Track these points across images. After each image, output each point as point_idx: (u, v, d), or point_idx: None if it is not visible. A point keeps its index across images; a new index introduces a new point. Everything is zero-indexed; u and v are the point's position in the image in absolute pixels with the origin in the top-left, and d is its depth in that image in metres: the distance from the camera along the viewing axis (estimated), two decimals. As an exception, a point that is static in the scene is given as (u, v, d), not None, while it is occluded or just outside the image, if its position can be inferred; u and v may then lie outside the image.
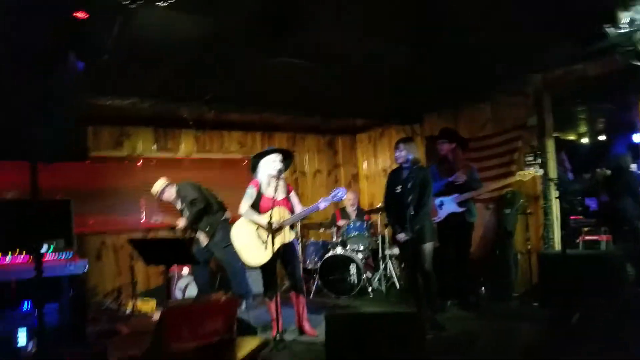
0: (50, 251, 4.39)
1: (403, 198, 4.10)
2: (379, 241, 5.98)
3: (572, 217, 5.35)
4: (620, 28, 3.35)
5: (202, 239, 5.18)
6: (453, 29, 3.90)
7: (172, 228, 5.50)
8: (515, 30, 3.96)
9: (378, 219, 6.24)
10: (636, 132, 5.92)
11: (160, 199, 5.33)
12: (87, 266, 4.49)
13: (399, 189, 4.22)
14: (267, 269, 4.08)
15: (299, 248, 4.43)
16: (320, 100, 5.92)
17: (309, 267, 6.08)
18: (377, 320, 3.21)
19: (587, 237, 4.53)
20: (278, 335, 3.89)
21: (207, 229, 5.13)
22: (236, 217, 4.29)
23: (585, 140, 7.57)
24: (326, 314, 3.36)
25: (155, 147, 6.38)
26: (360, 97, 5.88)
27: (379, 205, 6.57)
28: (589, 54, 4.35)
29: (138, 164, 6.23)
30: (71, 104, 2.78)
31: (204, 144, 6.69)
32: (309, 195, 7.16)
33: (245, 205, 4.12)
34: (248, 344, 2.91)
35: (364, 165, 7.85)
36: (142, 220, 5.93)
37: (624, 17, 3.34)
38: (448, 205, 4.77)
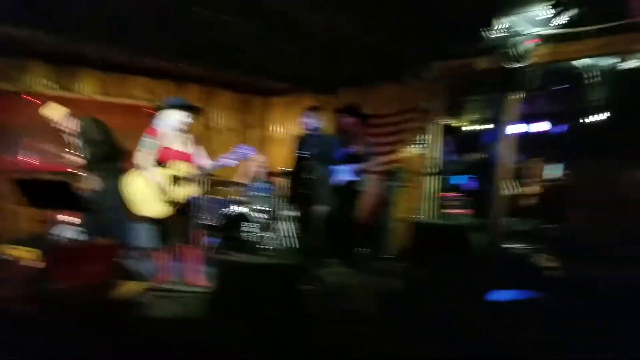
0: None
1: (307, 163, 4.41)
2: (282, 203, 6.24)
3: (445, 195, 6.08)
4: (495, 32, 3.92)
5: (96, 185, 4.84)
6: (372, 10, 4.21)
7: (60, 172, 5.11)
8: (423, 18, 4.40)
9: (283, 182, 6.53)
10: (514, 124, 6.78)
11: (56, 128, 4.71)
12: None
13: (304, 154, 4.53)
14: (163, 222, 4.08)
15: (201, 202, 4.45)
16: (238, 57, 5.97)
17: (210, 224, 6.21)
18: (261, 268, 3.53)
19: (452, 210, 5.30)
20: (164, 284, 3.97)
21: (104, 175, 4.79)
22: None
23: (469, 128, 8.47)
24: (217, 264, 3.58)
25: (52, 84, 6.03)
26: (280, 61, 6.04)
27: (285, 169, 6.90)
28: (480, 50, 4.96)
29: (31, 100, 5.85)
30: None
31: (108, 87, 6.43)
32: (217, 152, 7.19)
33: (141, 155, 3.99)
34: (129, 287, 3.06)
35: (276, 129, 8.05)
36: (27, 160, 5.66)
37: (501, 23, 3.91)
38: (344, 174, 5.22)
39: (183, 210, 4.16)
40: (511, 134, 5.48)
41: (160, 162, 4.02)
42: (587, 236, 5.36)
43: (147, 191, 4.02)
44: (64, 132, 4.72)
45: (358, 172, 5.23)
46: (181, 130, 4.09)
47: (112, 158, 4.87)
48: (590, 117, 6.73)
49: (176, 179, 3.97)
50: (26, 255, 5.23)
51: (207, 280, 4.17)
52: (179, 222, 4.24)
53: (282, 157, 7.73)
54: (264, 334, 2.87)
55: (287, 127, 7.87)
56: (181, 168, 4.03)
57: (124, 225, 4.94)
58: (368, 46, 5.24)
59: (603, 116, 6.48)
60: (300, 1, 4.09)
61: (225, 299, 3.35)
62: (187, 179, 4.05)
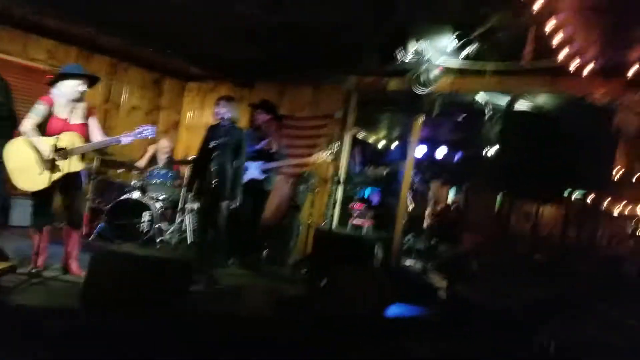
0: None
1: (215, 154, 4.22)
2: (182, 194, 5.88)
3: (352, 206, 6.21)
4: (408, 55, 4.08)
5: None
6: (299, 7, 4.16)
7: None
8: (345, 32, 4.46)
9: (187, 171, 6.20)
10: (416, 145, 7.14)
11: None
12: None
13: (212, 144, 4.31)
14: (40, 196, 3.72)
15: (86, 181, 4.05)
16: (156, 33, 5.62)
17: (96, 207, 5.74)
18: (146, 263, 3.27)
19: (355, 221, 5.41)
20: (35, 270, 3.59)
21: None
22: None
23: (378, 144, 8.80)
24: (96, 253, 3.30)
25: None
26: (200, 44, 5.78)
27: (191, 157, 6.58)
28: (393, 71, 5.14)
29: None
30: None
31: (6, 44, 5.71)
32: (119, 130, 6.68)
33: (29, 122, 3.63)
34: None
35: (188, 115, 7.69)
36: None
37: (414, 47, 4.07)
38: (252, 171, 5.10)
39: (67, 187, 3.80)
40: (416, 155, 5.74)
41: (49, 132, 3.65)
42: (476, 258, 5.74)
43: (25, 160, 3.64)
44: None
45: (265, 171, 5.15)
46: (75, 100, 3.74)
47: (5, 122, 4.19)
48: (484, 148, 7.31)
49: (59, 150, 3.58)
50: None
51: (81, 270, 3.80)
52: (63, 201, 3.90)
53: (192, 146, 7.42)
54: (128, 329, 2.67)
55: (200, 115, 7.56)
56: (68, 139, 3.66)
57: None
58: (290, 42, 5.18)
59: (495, 148, 7.06)
60: None
61: (97, 291, 3.06)
62: (73, 152, 3.67)
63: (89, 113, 3.86)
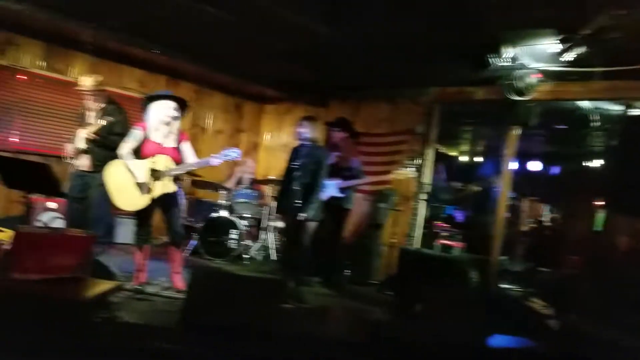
0: None
1: (298, 173, 4.21)
2: (265, 212, 6.05)
3: (437, 224, 5.88)
4: (502, 61, 3.78)
5: (84, 165, 4.55)
6: (372, 25, 4.09)
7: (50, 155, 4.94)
8: (423, 43, 4.29)
9: (268, 190, 6.32)
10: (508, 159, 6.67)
11: (90, 97, 4.55)
12: None
13: (296, 164, 4.31)
14: (140, 216, 3.95)
15: (184, 202, 4.23)
16: (234, 59, 5.82)
17: (190, 225, 6.00)
18: (241, 281, 3.33)
19: (443, 242, 5.08)
20: (139, 285, 3.80)
21: (97, 160, 4.50)
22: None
23: (463, 158, 8.39)
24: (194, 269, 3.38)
25: (44, 63, 5.77)
26: (276, 67, 5.90)
27: (272, 177, 6.69)
28: (480, 80, 4.85)
29: (21, 77, 5.59)
30: None
31: (100, 74, 6.17)
32: (205, 152, 6.96)
33: (126, 146, 3.89)
34: (99, 286, 2.79)
35: (267, 136, 7.86)
36: (14, 140, 5.43)
37: (508, 53, 3.77)
38: (329, 189, 5.00)
39: (166, 207, 3.99)
40: (508, 169, 5.33)
41: (144, 155, 3.87)
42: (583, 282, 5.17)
43: (124, 182, 3.88)
44: (89, 106, 4.56)
45: (344, 189, 5.03)
46: (166, 123, 3.91)
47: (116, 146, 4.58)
48: (589, 161, 6.66)
49: (154, 172, 3.79)
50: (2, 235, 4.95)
51: (183, 284, 4.00)
52: (163, 220, 4.08)
53: (272, 166, 7.55)
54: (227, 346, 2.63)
55: (277, 136, 7.68)
56: (162, 162, 3.85)
57: (100, 216, 4.73)
58: (366, 61, 5.10)
59: (601, 161, 6.40)
60: (302, 8, 3.92)
61: (195, 307, 3.10)
62: (167, 174, 3.86)
63: (181, 137, 4.05)
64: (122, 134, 4.45)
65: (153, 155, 3.82)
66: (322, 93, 6.56)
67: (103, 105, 4.57)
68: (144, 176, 3.79)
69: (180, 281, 4.05)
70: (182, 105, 4.07)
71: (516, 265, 5.95)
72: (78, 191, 4.66)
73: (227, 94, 7.40)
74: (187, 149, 4.06)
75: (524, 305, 4.29)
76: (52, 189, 3.59)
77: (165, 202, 3.94)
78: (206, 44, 5.32)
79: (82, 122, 4.57)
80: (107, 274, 3.60)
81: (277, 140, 7.66)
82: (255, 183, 6.48)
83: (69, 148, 4.59)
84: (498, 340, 3.49)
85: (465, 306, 3.74)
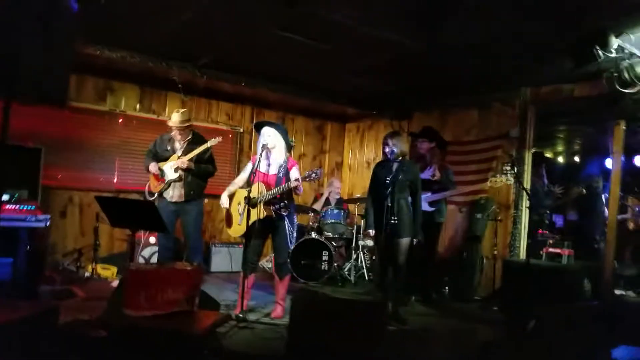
0: (12, 201, 4.16)
1: (392, 189, 4.09)
2: (354, 231, 5.99)
3: (539, 232, 5.51)
4: (610, 52, 3.46)
5: (177, 195, 4.60)
6: (452, 31, 3.96)
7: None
8: (512, 42, 4.07)
9: (356, 208, 6.29)
10: (608, 157, 6.13)
11: (179, 131, 4.64)
12: (48, 221, 4.24)
13: (387, 180, 4.15)
14: (247, 243, 4.06)
15: (289, 227, 4.14)
16: (315, 82, 5.93)
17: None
18: (343, 305, 3.25)
19: (551, 250, 4.70)
20: (241, 313, 3.83)
21: (191, 189, 4.63)
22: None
23: (560, 159, 7.81)
24: (293, 294, 3.38)
25: (139, 106, 6.24)
26: (355, 85, 5.92)
27: (359, 195, 6.65)
28: (578, 75, 4.49)
29: (119, 121, 6.09)
30: (61, 46, 2.66)
31: (190, 111, 6.56)
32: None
33: (238, 177, 4.23)
34: (207, 318, 2.84)
35: (349, 154, 7.88)
36: (115, 180, 5.89)
37: (615, 43, 3.44)
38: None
39: (266, 234, 4.10)
40: (617, 167, 4.85)
41: (252, 183, 3.97)
42: None
43: (233, 210, 4.13)
44: (177, 138, 4.67)
45: (435, 202, 4.84)
46: (263, 151, 4.03)
47: (206, 179, 4.82)
48: None
49: (248, 199, 3.87)
50: (105, 272, 5.35)
51: (282, 313, 4.07)
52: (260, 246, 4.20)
53: (357, 183, 7.53)
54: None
55: (361, 154, 7.66)
56: (257, 189, 3.92)
57: (197, 243, 4.81)
58: (451, 69, 4.95)
59: None
60: (377, 22, 3.89)
61: (302, 331, 3.09)
62: (257, 200, 3.91)
63: (290, 165, 4.10)
64: (212, 163, 4.71)
65: (255, 183, 3.94)
66: (405, 105, 6.45)
67: (190, 137, 4.72)
68: (241, 203, 3.96)
69: (279, 311, 4.08)
70: (280, 130, 4.13)
71: (630, 269, 5.37)
72: (170, 220, 4.63)
73: (309, 117, 7.55)
74: (294, 174, 4.05)
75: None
76: (156, 225, 3.59)
77: (266, 229, 4.03)
78: (288, 68, 5.47)
79: (168, 155, 4.69)
80: (211, 304, 3.72)
81: (361, 158, 7.64)
82: (342, 202, 6.45)
83: (154, 171, 4.64)
84: (623, 353, 3.14)
85: (582, 320, 3.42)
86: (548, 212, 5.61)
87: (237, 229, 4.09)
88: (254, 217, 3.91)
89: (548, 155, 7.05)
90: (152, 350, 2.52)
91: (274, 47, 4.68)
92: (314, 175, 3.85)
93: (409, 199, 4.22)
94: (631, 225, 6.27)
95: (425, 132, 5.16)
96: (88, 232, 5.70)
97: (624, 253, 5.90)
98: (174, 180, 4.57)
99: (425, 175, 4.87)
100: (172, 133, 4.69)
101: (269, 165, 4.05)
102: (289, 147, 4.20)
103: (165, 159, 4.68)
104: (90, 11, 3.27)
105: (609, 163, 6.35)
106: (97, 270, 5.24)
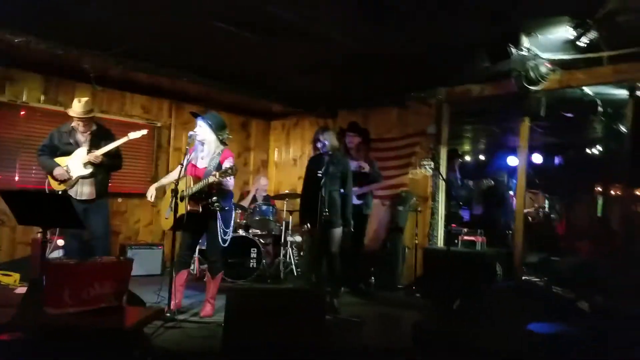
0: None
1: (323, 182, 4.14)
2: (282, 227, 5.97)
3: (452, 225, 5.87)
4: (521, 50, 3.81)
5: (87, 193, 4.26)
6: (381, 32, 4.12)
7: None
8: (430, 45, 4.33)
9: (284, 205, 6.25)
10: (513, 154, 6.74)
11: (83, 122, 4.30)
12: None
13: (319, 173, 4.23)
14: (182, 240, 3.99)
15: (220, 224, 3.92)
16: (241, 76, 5.80)
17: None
18: (280, 296, 3.23)
19: (466, 237, 5.08)
20: (170, 312, 3.67)
21: (103, 185, 4.34)
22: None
23: (467, 157, 8.46)
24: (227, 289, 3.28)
25: (43, 97, 5.69)
26: (281, 81, 5.90)
27: (287, 191, 6.64)
28: (489, 75, 4.89)
29: (21, 113, 5.51)
30: None
31: (101, 103, 6.09)
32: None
33: (175, 169, 4.01)
34: (137, 314, 2.70)
35: (275, 152, 7.83)
36: (16, 179, 5.34)
37: (525, 42, 3.81)
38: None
39: (196, 230, 3.98)
40: (521, 163, 5.34)
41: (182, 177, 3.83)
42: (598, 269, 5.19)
43: (165, 204, 4.02)
44: (80, 130, 4.33)
45: (362, 195, 5.01)
46: (202, 144, 3.95)
47: (112, 172, 4.57)
48: (594, 149, 6.74)
49: (175, 193, 3.73)
50: (7, 279, 4.80)
51: (211, 312, 3.97)
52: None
53: (284, 181, 7.51)
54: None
55: (287, 151, 7.66)
56: (185, 182, 3.79)
57: (106, 242, 4.50)
58: (373, 69, 5.14)
59: (607, 148, 6.49)
60: (306, 17, 3.92)
61: (238, 325, 3.00)
62: (185, 193, 3.78)
63: (222, 158, 3.92)
64: (120, 157, 4.43)
65: (185, 176, 3.81)
66: (332, 104, 6.54)
67: (94, 128, 4.37)
68: (169, 197, 3.81)
69: (208, 309, 3.95)
70: (211, 123, 3.96)
71: (530, 256, 5.96)
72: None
73: (233, 113, 7.35)
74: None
75: (552, 293, 4.28)
76: (71, 221, 3.20)
77: (197, 224, 3.89)
78: (214, 62, 5.30)
79: (71, 150, 4.30)
80: (137, 302, 3.49)
81: (287, 155, 7.63)
82: (270, 199, 6.40)
83: (63, 176, 4.23)
84: (537, 327, 3.48)
85: (503, 297, 3.72)
86: (461, 204, 6.01)
87: (165, 222, 3.95)
88: (182, 210, 3.74)
89: (464, 151, 7.61)
90: (77, 349, 2.31)
91: (203, 38, 4.52)
92: (229, 171, 3.66)
93: (341, 190, 4.31)
94: (530, 219, 6.98)
95: (352, 126, 5.32)
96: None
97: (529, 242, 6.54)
98: (84, 177, 4.22)
99: (354, 167, 5.01)
100: (73, 124, 4.32)
101: (201, 158, 3.93)
102: (221, 141, 4.03)
103: (66, 154, 4.28)
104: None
105: (511, 160, 7.01)
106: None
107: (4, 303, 3.64)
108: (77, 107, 4.25)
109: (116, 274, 2.62)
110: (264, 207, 5.90)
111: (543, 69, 4.23)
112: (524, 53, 3.92)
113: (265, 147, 7.89)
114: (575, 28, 3.56)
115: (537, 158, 8.01)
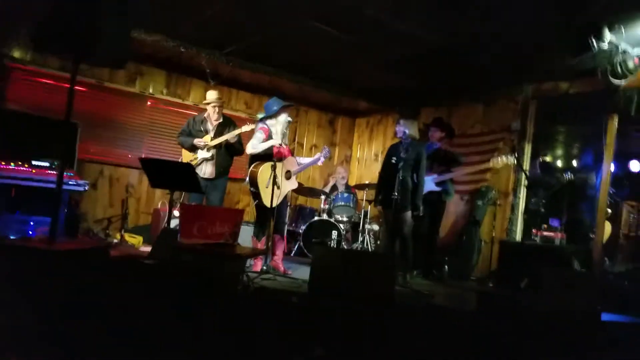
0: (52, 167, 4.58)
1: (397, 168, 4.54)
2: (361, 215, 6.35)
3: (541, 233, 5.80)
4: (604, 44, 3.88)
5: (209, 172, 4.97)
6: (464, 28, 4.39)
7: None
8: (516, 40, 4.51)
9: (364, 195, 6.66)
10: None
11: (216, 108, 5.07)
12: (87, 186, 4.75)
13: (394, 159, 4.66)
14: (268, 211, 4.43)
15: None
16: (330, 75, 6.35)
17: (293, 230, 6.45)
18: (358, 256, 3.67)
19: (545, 233, 5.10)
20: (264, 266, 4.30)
21: (221, 166, 5.04)
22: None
23: (560, 154, 8.19)
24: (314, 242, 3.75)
25: (165, 90, 6.68)
26: (366, 79, 6.35)
27: (367, 182, 7.05)
28: (576, 72, 4.92)
29: (148, 103, 6.53)
30: (124, 14, 3.05)
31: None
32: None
33: (254, 144, 4.50)
34: (246, 249, 3.35)
35: (358, 148, 8.30)
36: (142, 157, 6.28)
37: (608, 36, 3.88)
38: (427, 184, 5.25)
39: (280, 204, 4.56)
40: (608, 164, 5.23)
41: (274, 156, 4.48)
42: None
43: (269, 183, 4.39)
44: (211, 118, 5.09)
45: (441, 182, 5.24)
46: (286, 129, 4.65)
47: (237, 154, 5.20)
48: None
49: (287, 172, 4.50)
50: (132, 240, 5.73)
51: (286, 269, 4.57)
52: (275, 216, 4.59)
53: (364, 175, 7.93)
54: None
55: (369, 147, 8.08)
56: (289, 162, 4.54)
57: None
58: (458, 65, 5.39)
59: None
60: (391, 13, 4.28)
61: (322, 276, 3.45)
62: (293, 172, 4.54)
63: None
64: (241, 144, 5.11)
65: (280, 157, 4.45)
66: (416, 101, 6.86)
67: (221, 120, 5.13)
68: (281, 175, 4.41)
69: (283, 267, 4.56)
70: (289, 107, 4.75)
71: (618, 266, 5.74)
72: (200, 197, 5.03)
73: (322, 110, 7.98)
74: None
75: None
76: (194, 186, 4.02)
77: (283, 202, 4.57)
78: (307, 61, 5.91)
79: (201, 135, 5.05)
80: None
81: (369, 151, 8.05)
82: (350, 188, 6.85)
83: (201, 145, 4.96)
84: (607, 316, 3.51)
85: (573, 280, 3.80)
86: (542, 198, 5.99)
87: (275, 199, 4.41)
88: (287, 188, 4.62)
89: (549, 148, 7.45)
90: (197, 274, 2.91)
91: (302, 39, 5.09)
92: (325, 151, 4.70)
93: (413, 177, 4.65)
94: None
95: (436, 121, 5.61)
96: (116, 204, 6.12)
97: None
98: (206, 159, 4.98)
99: (437, 153, 5.29)
100: (206, 114, 5.11)
101: (283, 143, 4.75)
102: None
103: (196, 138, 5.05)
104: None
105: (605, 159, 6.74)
106: (124, 238, 5.62)
107: (135, 254, 4.54)
108: (212, 95, 5.10)
109: (232, 218, 3.28)
110: (346, 194, 6.36)
111: (630, 64, 4.23)
112: (609, 47, 3.98)
113: (349, 143, 8.40)
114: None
115: (635, 165, 7.61)
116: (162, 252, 3.17)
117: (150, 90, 6.56)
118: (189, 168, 4.10)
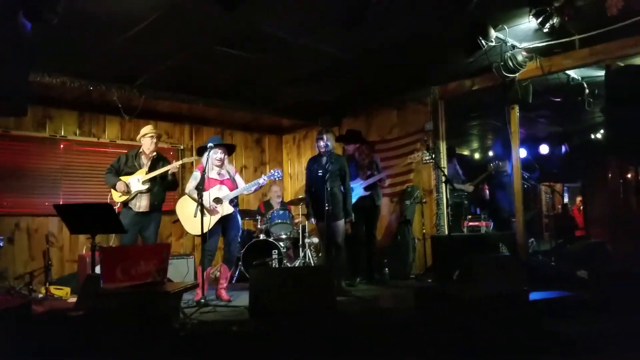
0: None
1: (324, 180, 4.62)
2: (299, 230, 6.34)
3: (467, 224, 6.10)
4: (491, 41, 4.22)
5: (144, 204, 4.89)
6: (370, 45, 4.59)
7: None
8: (420, 47, 4.79)
9: (300, 210, 6.70)
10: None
11: (152, 140, 5.05)
12: (2, 242, 4.46)
13: (320, 172, 4.74)
14: (207, 239, 4.46)
15: (240, 226, 4.88)
16: (251, 97, 6.39)
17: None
18: (294, 272, 3.68)
19: (470, 223, 5.41)
20: (202, 298, 4.21)
21: (156, 199, 4.96)
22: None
23: (477, 156, 8.75)
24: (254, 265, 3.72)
25: (78, 130, 6.37)
26: (289, 97, 6.45)
27: (300, 196, 7.10)
28: (475, 70, 5.30)
29: (61, 146, 6.20)
30: (23, 62, 2.95)
31: (129, 131, 6.75)
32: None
33: (190, 185, 4.67)
34: (176, 285, 3.22)
35: (288, 164, 8.36)
36: (61, 203, 5.94)
37: (494, 34, 4.22)
38: (356, 190, 5.40)
39: (225, 226, 4.65)
40: (516, 151, 5.65)
41: (206, 189, 4.54)
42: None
43: (190, 212, 4.59)
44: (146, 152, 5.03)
45: (369, 187, 5.40)
46: (220, 164, 4.71)
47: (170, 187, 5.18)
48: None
49: (216, 199, 4.52)
50: (59, 292, 5.37)
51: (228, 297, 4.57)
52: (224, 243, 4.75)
53: (296, 191, 7.98)
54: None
55: (299, 162, 8.17)
56: (221, 190, 4.60)
57: None
58: (366, 75, 5.64)
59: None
60: (292, 32, 4.41)
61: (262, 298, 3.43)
62: (225, 198, 4.58)
63: (234, 171, 4.92)
64: (174, 176, 5.09)
65: (213, 187, 4.55)
66: (335, 113, 7.05)
67: (155, 155, 5.09)
68: (208, 202, 4.43)
69: (225, 294, 4.58)
70: (230, 148, 5.02)
71: (543, 245, 6.19)
72: (134, 232, 4.91)
73: (247, 131, 7.95)
74: (239, 178, 4.91)
75: (554, 266, 4.55)
76: (115, 226, 3.89)
77: (226, 222, 4.60)
78: (224, 85, 5.90)
79: (134, 170, 4.97)
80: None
81: (299, 166, 8.12)
82: (285, 204, 6.85)
83: (123, 189, 4.85)
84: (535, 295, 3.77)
85: (502, 265, 4.04)
86: (464, 193, 6.36)
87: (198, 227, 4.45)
88: (219, 214, 4.65)
89: (465, 152, 7.94)
90: (126, 322, 2.78)
91: (211, 63, 5.10)
92: (277, 174, 4.81)
93: (341, 187, 4.77)
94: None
95: (347, 135, 5.85)
96: (38, 256, 5.69)
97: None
98: (141, 192, 4.89)
99: (356, 163, 5.47)
100: (140, 149, 5.09)
101: (218, 174, 4.81)
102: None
103: (129, 174, 4.97)
104: (38, 34, 3.49)
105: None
106: (50, 291, 5.26)
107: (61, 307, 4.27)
108: (147, 129, 5.10)
109: (157, 254, 3.16)
110: (281, 212, 6.35)
111: (520, 57, 4.63)
112: (497, 44, 4.33)
113: (279, 160, 8.41)
114: (536, 16, 3.94)
115: (544, 149, 8.27)
116: (88, 301, 3.00)
117: (62, 133, 6.23)
118: (108, 208, 3.89)
